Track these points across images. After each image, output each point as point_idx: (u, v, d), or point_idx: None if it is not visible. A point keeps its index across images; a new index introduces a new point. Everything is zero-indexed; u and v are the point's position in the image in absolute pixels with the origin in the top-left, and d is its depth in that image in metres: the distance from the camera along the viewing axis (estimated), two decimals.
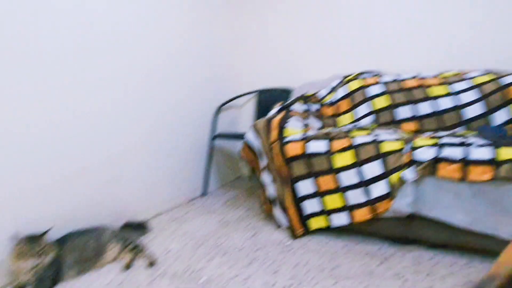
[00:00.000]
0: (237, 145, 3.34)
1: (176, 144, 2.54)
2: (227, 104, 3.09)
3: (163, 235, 2.11)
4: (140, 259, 1.79)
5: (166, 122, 2.42)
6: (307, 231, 2.02)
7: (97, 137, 1.93)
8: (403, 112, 2.32)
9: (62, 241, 1.66)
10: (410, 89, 2.36)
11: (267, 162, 2.16)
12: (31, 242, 1.50)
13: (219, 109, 2.96)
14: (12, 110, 1.55)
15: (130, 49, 2.11)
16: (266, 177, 2.20)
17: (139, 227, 2.08)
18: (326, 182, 1.90)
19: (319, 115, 2.51)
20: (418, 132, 2.27)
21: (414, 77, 2.43)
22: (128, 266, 1.71)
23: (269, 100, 3.00)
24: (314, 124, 2.40)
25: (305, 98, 2.55)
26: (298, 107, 2.46)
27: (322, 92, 2.62)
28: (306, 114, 2.43)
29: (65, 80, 1.76)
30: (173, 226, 2.26)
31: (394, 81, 2.44)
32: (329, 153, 1.89)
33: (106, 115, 1.98)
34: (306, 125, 2.26)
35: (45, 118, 1.68)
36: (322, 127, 2.43)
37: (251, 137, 2.24)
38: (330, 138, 1.94)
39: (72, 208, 1.83)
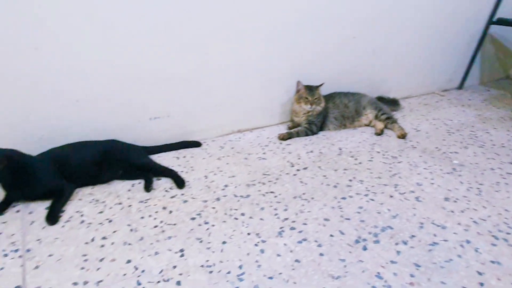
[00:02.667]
0: None
1: (444, 25, 2.31)
2: None
3: (414, 116, 2.12)
4: (390, 130, 1.89)
5: None
6: None
7: (364, 7, 1.95)
8: None
9: (328, 97, 1.92)
10: None
11: None
12: (309, 91, 1.80)
13: None
14: None
15: None
16: None
17: (392, 102, 2.15)
18: None
19: None
20: None
21: None
22: (380, 133, 1.85)
23: None
24: None
25: None
26: None
27: None
28: None
29: None
30: (424, 110, 2.22)
31: None
32: None
33: None
34: None
35: None
36: None
37: None
38: None
39: (339, 71, 2.03)
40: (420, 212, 1.25)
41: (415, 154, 1.65)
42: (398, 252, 1.07)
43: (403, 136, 1.80)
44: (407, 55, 2.27)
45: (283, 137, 1.78)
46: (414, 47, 2.26)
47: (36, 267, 1.01)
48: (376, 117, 1.92)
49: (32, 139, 1.39)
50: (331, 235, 1.13)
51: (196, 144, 1.70)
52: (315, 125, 1.84)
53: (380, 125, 1.88)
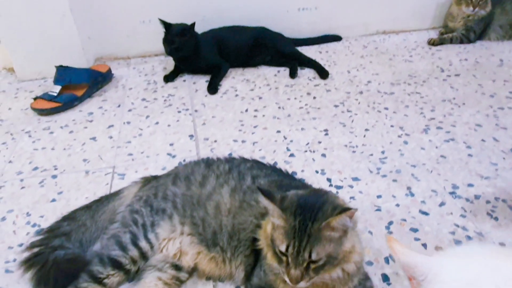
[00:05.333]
0: None
1: None
2: None
3: None
4: None
5: None
6: None
7: None
8: None
9: (497, 1, 1.65)
10: None
11: None
12: None
13: None
14: None
15: None
16: None
17: None
18: None
19: None
20: None
21: None
22: None
23: None
24: None
25: None
26: None
27: None
28: None
29: None
30: None
31: None
32: None
33: None
34: None
35: None
36: None
37: None
38: None
39: None
40: None
41: None
42: None
43: None
44: None
45: (434, 42, 1.64)
46: None
47: (203, 124, 1.20)
48: None
49: (196, 18, 1.53)
50: (483, 140, 1.08)
51: (337, 38, 1.68)
52: (474, 32, 1.64)
53: None
